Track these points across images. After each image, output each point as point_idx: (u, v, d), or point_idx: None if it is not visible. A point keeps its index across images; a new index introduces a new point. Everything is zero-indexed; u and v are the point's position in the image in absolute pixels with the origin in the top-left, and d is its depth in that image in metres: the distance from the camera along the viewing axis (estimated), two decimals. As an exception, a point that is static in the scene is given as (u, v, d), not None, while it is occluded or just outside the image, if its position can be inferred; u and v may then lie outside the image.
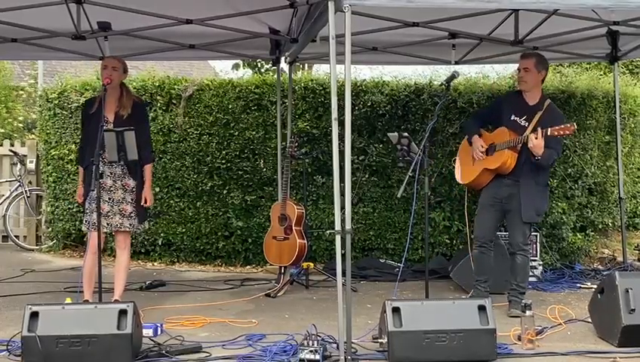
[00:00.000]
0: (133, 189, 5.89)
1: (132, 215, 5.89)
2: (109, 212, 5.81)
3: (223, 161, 8.29)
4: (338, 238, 4.70)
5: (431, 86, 8.29)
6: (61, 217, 8.92)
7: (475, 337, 4.64)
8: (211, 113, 8.32)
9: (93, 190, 5.59)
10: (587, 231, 8.41)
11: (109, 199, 5.83)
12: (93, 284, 5.80)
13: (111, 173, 5.84)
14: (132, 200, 5.89)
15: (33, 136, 12.14)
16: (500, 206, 6.06)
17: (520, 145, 5.84)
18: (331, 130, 4.77)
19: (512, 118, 5.99)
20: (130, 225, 5.90)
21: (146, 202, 5.93)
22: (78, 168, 6.21)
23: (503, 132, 5.99)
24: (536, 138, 5.65)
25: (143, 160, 5.86)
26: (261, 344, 5.04)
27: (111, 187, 5.84)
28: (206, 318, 5.80)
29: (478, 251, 6.15)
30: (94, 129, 5.57)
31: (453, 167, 6.53)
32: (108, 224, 5.81)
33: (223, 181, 8.33)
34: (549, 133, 5.65)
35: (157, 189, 8.38)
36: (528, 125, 5.89)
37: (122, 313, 4.65)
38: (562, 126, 5.65)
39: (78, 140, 8.03)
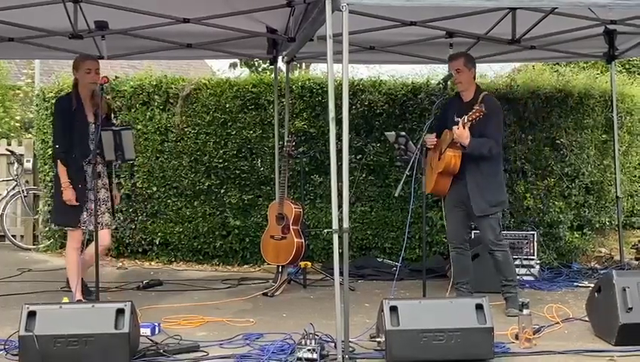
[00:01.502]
0: (109, 187, 6.07)
1: (113, 212, 6.08)
2: (97, 211, 5.81)
3: (221, 161, 8.28)
4: (336, 237, 4.71)
5: (428, 85, 8.31)
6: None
7: (473, 336, 4.64)
8: (208, 112, 8.31)
9: (90, 190, 5.62)
10: (584, 230, 8.42)
11: (97, 198, 5.84)
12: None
13: (93, 173, 5.83)
14: (112, 197, 6.08)
15: (30, 135, 12.12)
16: (463, 206, 6.06)
17: (458, 141, 5.83)
18: (329, 129, 4.77)
19: (455, 120, 5.97)
20: (114, 221, 6.10)
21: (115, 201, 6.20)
22: (59, 167, 6.01)
23: (445, 133, 6.00)
24: (457, 128, 5.69)
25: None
26: (259, 343, 5.04)
27: (96, 186, 5.84)
28: (203, 317, 5.80)
29: (454, 253, 6.17)
30: (80, 128, 5.59)
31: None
32: (99, 223, 5.85)
33: (221, 180, 8.32)
34: (465, 121, 5.69)
35: (154, 188, 8.39)
36: None
37: (120, 312, 4.65)
38: (473, 110, 5.67)
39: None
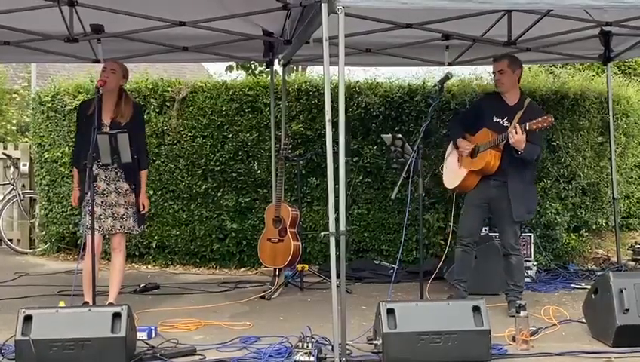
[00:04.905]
0: (127, 192, 5.88)
1: (124, 217, 5.88)
2: (101, 215, 5.79)
3: (217, 163, 8.28)
4: (332, 240, 4.71)
5: (424, 87, 8.31)
6: (55, 220, 8.90)
7: (470, 338, 4.65)
8: (205, 115, 8.31)
9: (87, 193, 5.60)
10: (581, 232, 8.43)
11: (102, 202, 5.81)
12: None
13: (105, 177, 5.82)
14: (125, 202, 5.88)
15: (26, 139, 12.11)
16: (486, 207, 6.09)
17: (502, 143, 5.85)
18: (325, 132, 4.78)
19: (494, 120, 6.01)
20: (122, 226, 5.88)
21: (143, 208, 5.95)
22: (71, 171, 6.17)
23: (485, 133, 6.01)
24: (516, 133, 5.68)
25: (142, 165, 5.94)
26: (255, 346, 5.04)
27: (104, 190, 5.82)
28: (200, 321, 5.79)
29: (461, 250, 6.17)
30: (90, 132, 5.55)
31: (442, 174, 6.53)
32: (100, 227, 5.78)
33: (217, 183, 8.32)
34: (527, 128, 5.67)
35: (151, 192, 8.36)
36: (510, 125, 5.91)
37: (116, 316, 4.65)
38: (540, 119, 5.67)
39: (71, 143, 8.05)
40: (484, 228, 6.88)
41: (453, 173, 6.20)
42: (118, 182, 5.86)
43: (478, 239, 6.29)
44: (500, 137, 5.85)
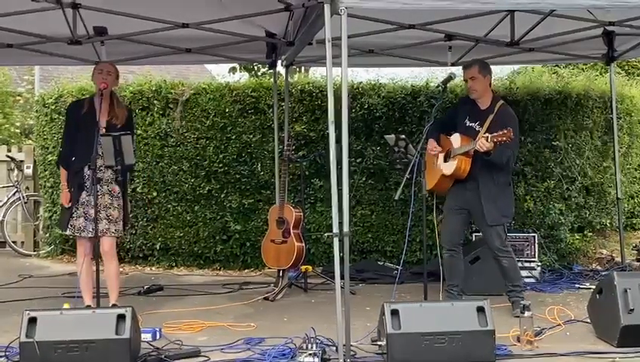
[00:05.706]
0: (119, 195, 5.90)
1: (118, 220, 5.89)
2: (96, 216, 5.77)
3: (221, 165, 8.29)
4: (336, 241, 4.71)
5: (427, 88, 8.31)
6: (58, 222, 8.90)
7: (474, 339, 4.64)
8: (208, 117, 8.32)
9: (89, 195, 5.60)
10: (585, 232, 8.42)
11: (97, 204, 5.78)
12: (92, 288, 5.79)
13: (99, 178, 5.80)
14: (119, 205, 5.89)
15: (30, 141, 12.13)
16: (465, 212, 6.10)
17: (472, 150, 5.84)
18: (328, 133, 4.77)
19: (467, 125, 6.02)
20: (116, 230, 5.89)
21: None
22: (60, 170, 6.10)
23: (457, 138, 6.02)
24: (483, 144, 5.65)
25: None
26: (260, 347, 5.03)
27: (97, 192, 5.78)
28: (204, 322, 5.79)
29: (448, 256, 6.18)
30: (85, 132, 5.55)
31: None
32: (93, 229, 5.74)
33: (221, 185, 8.32)
34: (487, 141, 5.65)
35: (154, 193, 8.39)
36: (482, 129, 5.91)
37: (120, 318, 4.64)
38: (500, 133, 5.61)
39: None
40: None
41: (430, 175, 6.20)
42: (110, 184, 5.85)
43: (461, 243, 6.30)
44: (470, 145, 5.85)
